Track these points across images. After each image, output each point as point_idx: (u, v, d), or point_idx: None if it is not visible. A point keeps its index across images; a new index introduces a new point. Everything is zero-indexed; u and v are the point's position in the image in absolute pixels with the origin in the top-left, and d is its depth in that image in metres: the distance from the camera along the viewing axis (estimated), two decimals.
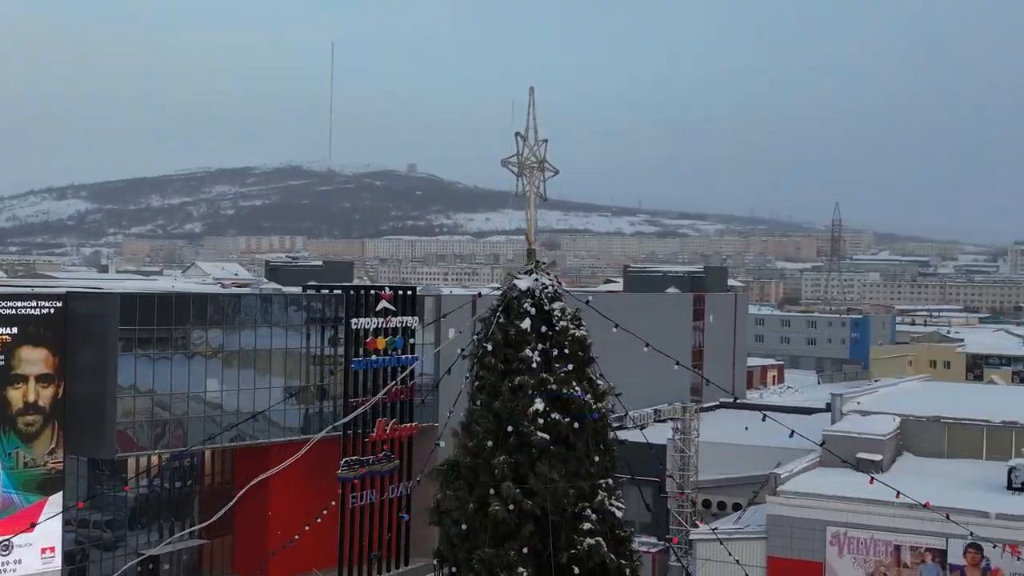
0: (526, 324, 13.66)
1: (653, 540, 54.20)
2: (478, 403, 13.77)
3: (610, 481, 13.11)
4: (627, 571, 12.89)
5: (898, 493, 19.36)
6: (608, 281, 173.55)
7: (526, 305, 13.74)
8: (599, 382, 13.47)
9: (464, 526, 13.46)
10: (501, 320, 13.68)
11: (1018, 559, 35.15)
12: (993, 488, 49.03)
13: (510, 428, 13.36)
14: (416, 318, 57.90)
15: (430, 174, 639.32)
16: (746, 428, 60.82)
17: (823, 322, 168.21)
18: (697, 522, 51.86)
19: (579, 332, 13.62)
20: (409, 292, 59.82)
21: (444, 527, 13.69)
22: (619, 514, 13.02)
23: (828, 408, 62.35)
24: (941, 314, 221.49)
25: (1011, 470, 49.75)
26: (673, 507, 52.90)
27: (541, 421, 13.21)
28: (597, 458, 13.01)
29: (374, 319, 56.26)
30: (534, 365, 13.53)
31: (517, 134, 13.76)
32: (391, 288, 59.77)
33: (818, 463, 48.36)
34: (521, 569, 12.79)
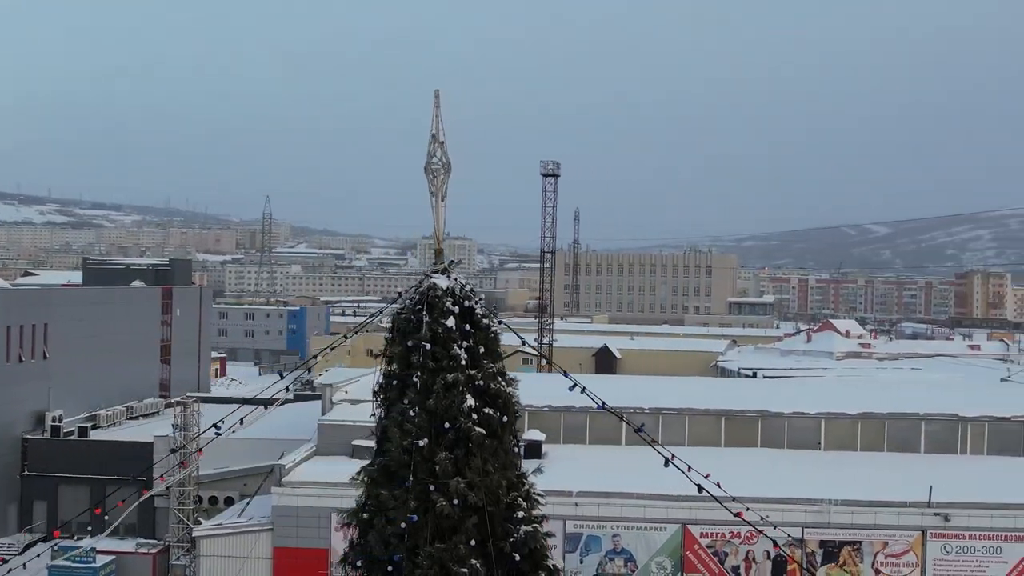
0: (451, 322, 13.68)
1: (152, 541, 52.96)
2: (406, 401, 13.48)
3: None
4: (548, 552, 13.38)
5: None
6: (27, 273, 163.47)
7: (448, 303, 13.73)
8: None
9: (403, 524, 13.16)
10: (427, 319, 13.52)
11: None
12: None
13: (447, 425, 13.30)
14: None
15: None
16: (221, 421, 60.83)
17: (260, 314, 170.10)
18: (199, 519, 51.19)
19: (496, 328, 13.84)
20: None
21: (376, 527, 13.24)
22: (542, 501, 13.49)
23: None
24: (366, 305, 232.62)
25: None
26: (173, 505, 51.77)
27: (475, 416, 13.32)
28: (517, 448, 13.36)
29: None
30: (463, 362, 13.58)
31: (434, 135, 13.71)
32: None
33: (314, 452, 49.51)
34: (473, 561, 12.85)
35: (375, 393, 14.19)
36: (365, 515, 13.46)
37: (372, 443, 48.90)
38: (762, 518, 54.04)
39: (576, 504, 49.79)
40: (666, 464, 15.08)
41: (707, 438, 59.87)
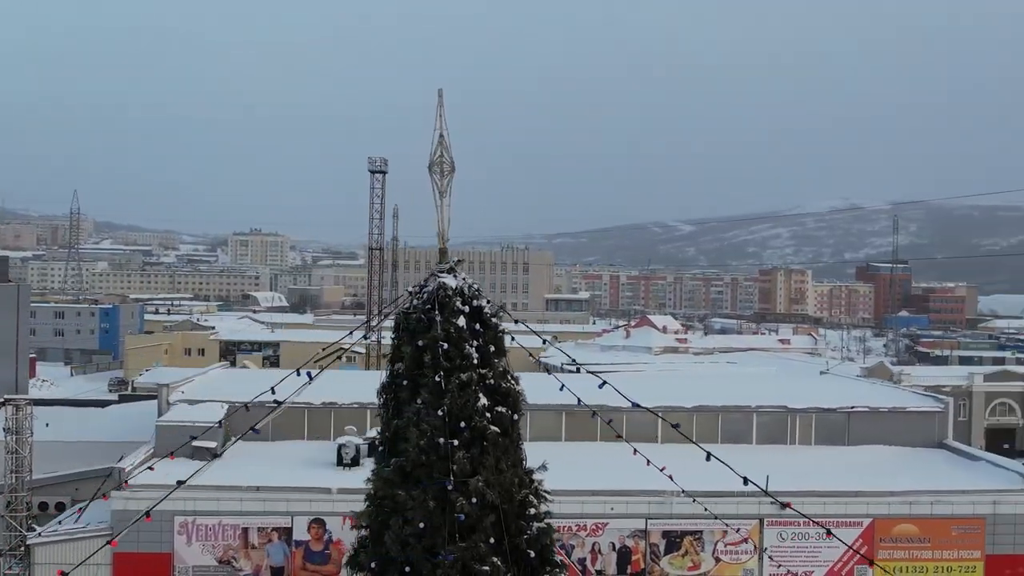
0: (461, 321, 13.54)
1: None
2: (420, 402, 13.27)
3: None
4: (555, 548, 13.45)
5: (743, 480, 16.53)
6: None
7: (457, 303, 13.59)
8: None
9: (421, 524, 12.95)
10: (439, 318, 13.34)
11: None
12: (325, 465, 52.92)
13: (463, 424, 13.16)
14: None
15: None
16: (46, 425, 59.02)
17: (71, 312, 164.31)
18: (33, 526, 49.42)
19: (503, 327, 13.79)
20: None
21: (393, 528, 12.99)
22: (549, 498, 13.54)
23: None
24: (181, 303, 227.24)
25: (340, 447, 53.92)
26: (3, 511, 49.78)
27: (488, 415, 13.24)
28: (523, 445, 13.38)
29: None
30: (475, 361, 13.47)
31: (441, 135, 13.56)
32: None
33: (153, 454, 48.46)
34: (495, 558, 12.75)
35: (380, 393, 14.04)
36: (379, 516, 13.30)
37: (212, 443, 47.92)
38: (611, 509, 55.46)
39: None
40: (707, 458, 15.10)
41: (548, 432, 60.84)
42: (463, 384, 13.48)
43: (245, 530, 46.21)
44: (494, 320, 14.04)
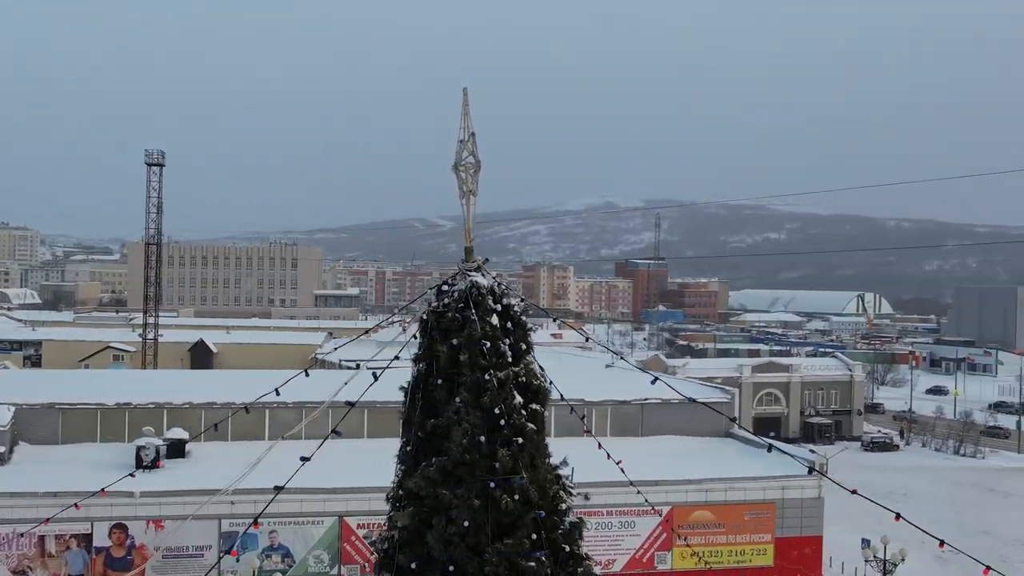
0: (495, 320, 13.33)
1: None
2: (459, 401, 12.98)
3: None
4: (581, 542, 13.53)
5: (898, 516, 15.05)
6: None
7: (489, 301, 13.36)
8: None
9: (466, 523, 12.68)
10: (473, 317, 13.08)
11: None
12: (122, 468, 51.24)
13: (502, 422, 12.97)
14: None
15: None
16: None
17: None
18: None
19: (531, 325, 13.68)
20: None
21: (436, 528, 12.65)
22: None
23: None
24: None
25: (139, 449, 52.35)
26: None
27: (524, 412, 13.12)
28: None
29: None
30: (509, 359, 13.30)
31: (460, 141, 13.36)
32: None
33: None
34: (539, 553, 12.63)
35: (408, 393, 13.82)
36: (419, 516, 13.11)
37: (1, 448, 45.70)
38: None
39: (232, 503, 48.90)
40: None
41: (352, 430, 60.58)
42: (501, 382, 13.53)
43: (42, 538, 44.26)
44: (522, 319, 14.12)
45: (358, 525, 51.96)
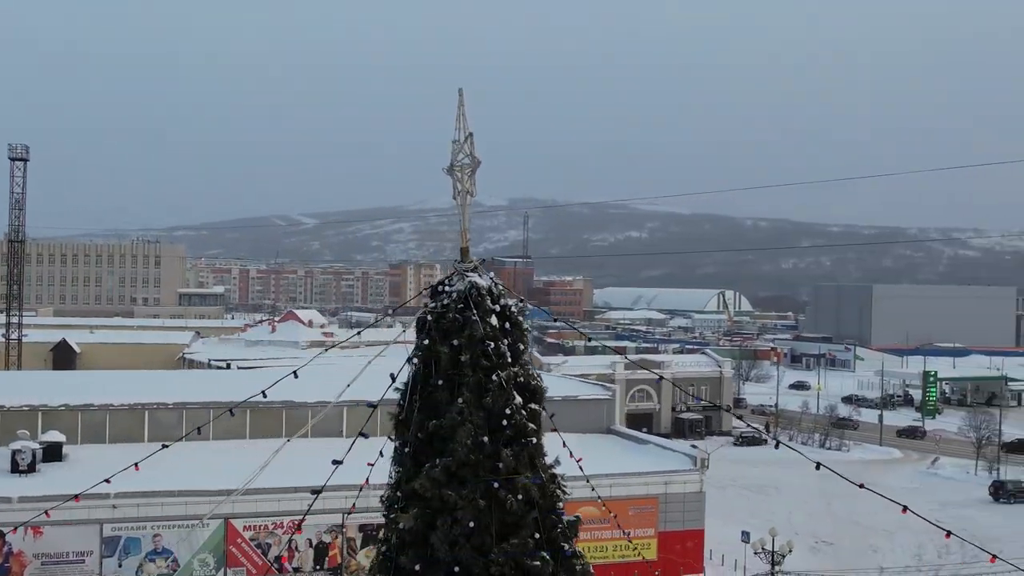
0: (494, 320, 13.21)
1: None
2: (461, 401, 12.81)
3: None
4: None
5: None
6: None
7: (488, 302, 13.23)
8: None
9: (471, 524, 12.51)
10: (474, 318, 12.93)
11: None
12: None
13: (504, 422, 12.86)
14: None
15: None
16: None
17: None
18: None
19: (527, 326, 13.60)
20: None
21: (440, 529, 12.45)
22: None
23: None
24: None
25: (15, 453, 50.92)
26: None
27: (525, 412, 13.04)
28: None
29: None
30: (509, 359, 13.19)
31: (454, 141, 13.20)
32: None
33: None
34: (544, 553, 12.55)
35: (405, 395, 13.68)
36: (423, 518, 12.98)
37: None
38: (309, 507, 54.93)
39: (114, 506, 47.91)
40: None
41: (233, 431, 59.72)
42: (502, 383, 13.57)
43: None
44: (519, 318, 14.16)
45: (244, 527, 51.31)
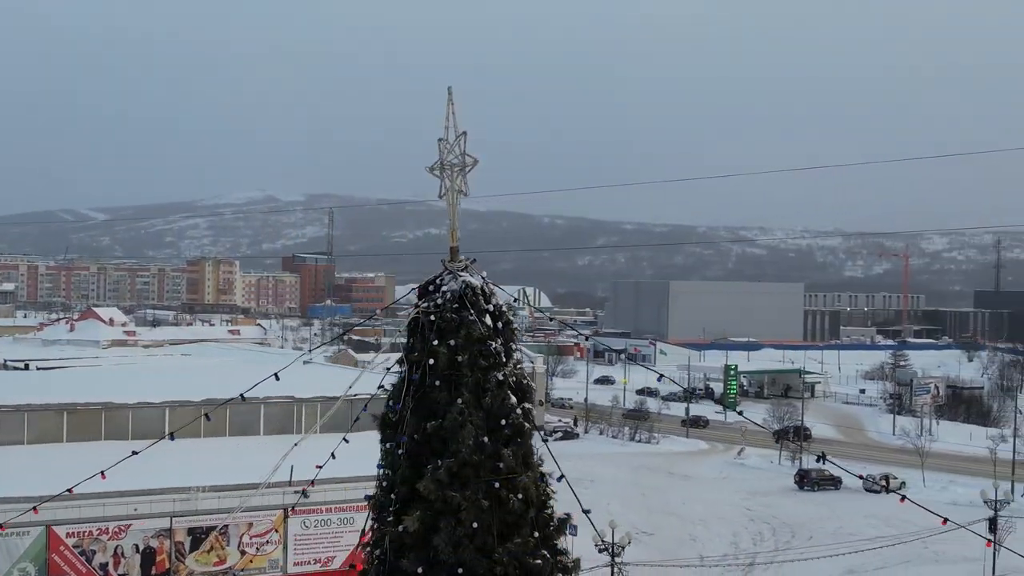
0: (488, 320, 12.87)
1: None
2: (460, 401, 12.42)
3: None
4: None
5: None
6: None
7: (481, 301, 12.90)
8: None
9: (474, 524, 12.70)
10: (471, 317, 12.56)
11: None
12: None
13: (503, 422, 12.57)
14: None
15: None
16: None
17: None
18: None
19: (516, 325, 13.35)
20: None
21: (444, 530, 12.06)
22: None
23: None
24: None
25: None
26: None
27: (520, 412, 12.78)
28: None
29: None
30: (503, 359, 12.89)
31: (440, 139, 12.80)
32: None
33: None
34: (543, 551, 12.34)
35: (401, 396, 13.33)
36: (425, 519, 12.68)
37: None
38: (134, 509, 53.55)
39: None
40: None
41: (48, 434, 57.44)
42: (499, 382, 13.48)
43: None
44: (509, 318, 14.05)
45: (68, 534, 49.57)
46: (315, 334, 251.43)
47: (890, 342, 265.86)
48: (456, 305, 13.53)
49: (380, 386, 14.07)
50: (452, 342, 13.35)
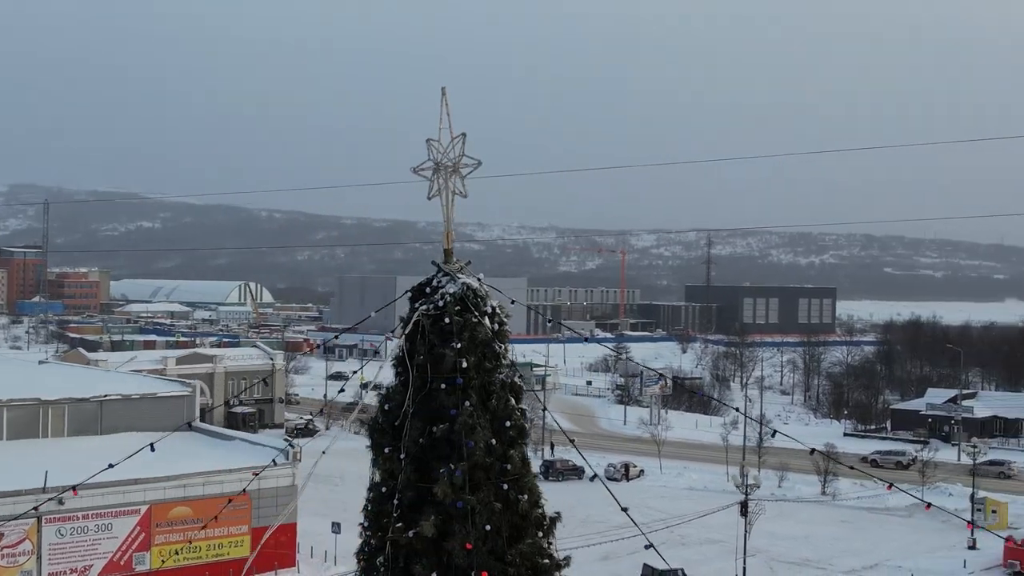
0: (487, 322, 12.36)
1: None
2: (468, 404, 11.87)
3: None
4: None
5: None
6: None
7: (481, 304, 12.44)
8: None
9: (488, 526, 12.85)
10: (474, 320, 12.01)
11: None
12: None
13: (507, 423, 12.18)
14: None
15: None
16: None
17: None
18: None
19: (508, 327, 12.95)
20: None
21: (457, 534, 11.65)
22: None
23: None
24: None
25: None
26: None
27: (518, 412, 12.43)
28: None
29: None
30: (504, 361, 12.46)
31: (428, 140, 12.25)
32: None
33: None
34: (549, 550, 12.08)
35: (397, 398, 12.78)
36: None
37: None
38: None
39: None
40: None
41: None
42: (502, 384, 13.30)
43: None
44: (502, 318, 13.79)
45: None
46: (27, 332, 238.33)
47: (608, 335, 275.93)
48: (459, 307, 13.42)
49: (381, 393, 13.74)
50: (457, 344, 13.23)
